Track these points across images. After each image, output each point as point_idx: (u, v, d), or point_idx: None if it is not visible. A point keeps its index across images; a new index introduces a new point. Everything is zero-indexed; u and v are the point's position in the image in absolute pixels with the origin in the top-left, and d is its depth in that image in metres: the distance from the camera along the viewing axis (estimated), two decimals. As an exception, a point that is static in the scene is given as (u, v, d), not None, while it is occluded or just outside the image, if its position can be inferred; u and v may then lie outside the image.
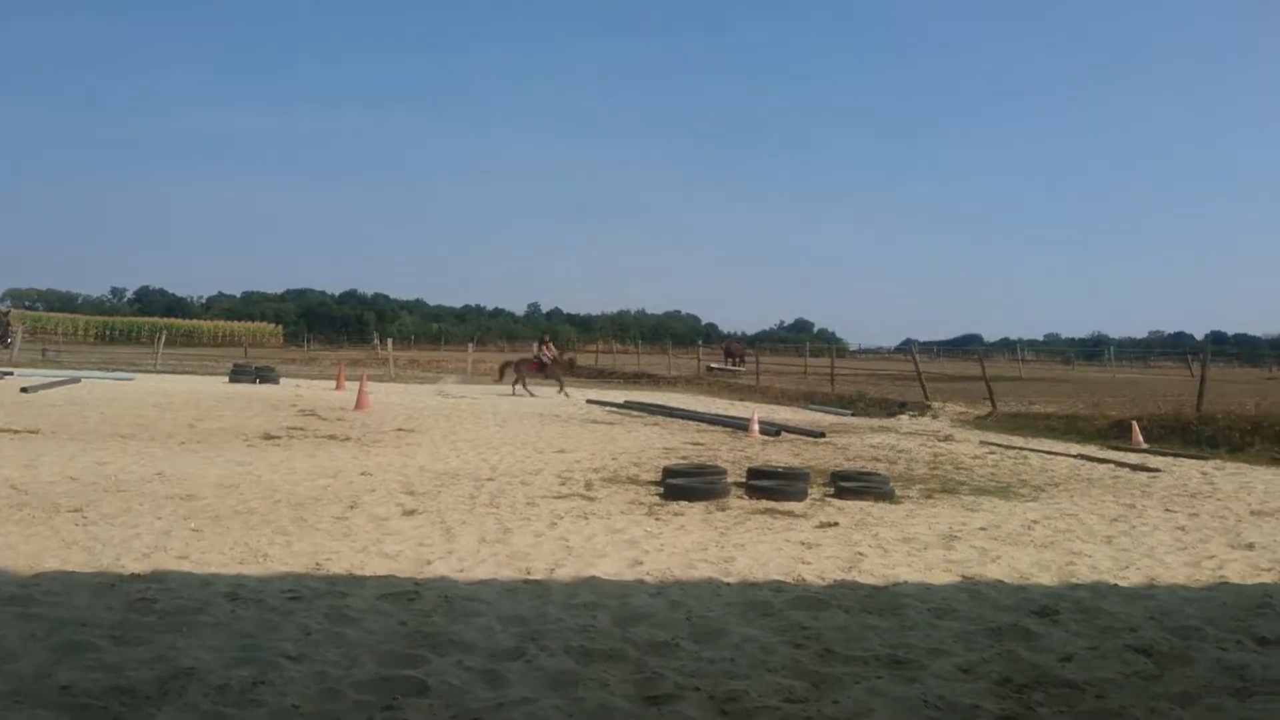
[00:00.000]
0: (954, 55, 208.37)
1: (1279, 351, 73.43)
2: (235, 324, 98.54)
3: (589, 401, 24.50)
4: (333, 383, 28.24)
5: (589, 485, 9.91)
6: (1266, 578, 6.57)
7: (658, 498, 9.17)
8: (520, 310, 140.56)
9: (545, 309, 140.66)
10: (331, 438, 13.95)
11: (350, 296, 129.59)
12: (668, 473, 9.96)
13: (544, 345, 28.50)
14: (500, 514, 8.13)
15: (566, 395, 25.71)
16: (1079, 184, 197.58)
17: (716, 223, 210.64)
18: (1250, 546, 7.70)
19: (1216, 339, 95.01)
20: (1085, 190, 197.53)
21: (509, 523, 7.73)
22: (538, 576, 5.99)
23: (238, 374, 30.14)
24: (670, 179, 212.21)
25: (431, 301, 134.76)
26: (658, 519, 8.10)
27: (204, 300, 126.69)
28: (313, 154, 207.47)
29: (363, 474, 10.22)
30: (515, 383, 27.17)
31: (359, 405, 19.58)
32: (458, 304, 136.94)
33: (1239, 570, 6.77)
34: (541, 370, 27.32)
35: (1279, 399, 23.30)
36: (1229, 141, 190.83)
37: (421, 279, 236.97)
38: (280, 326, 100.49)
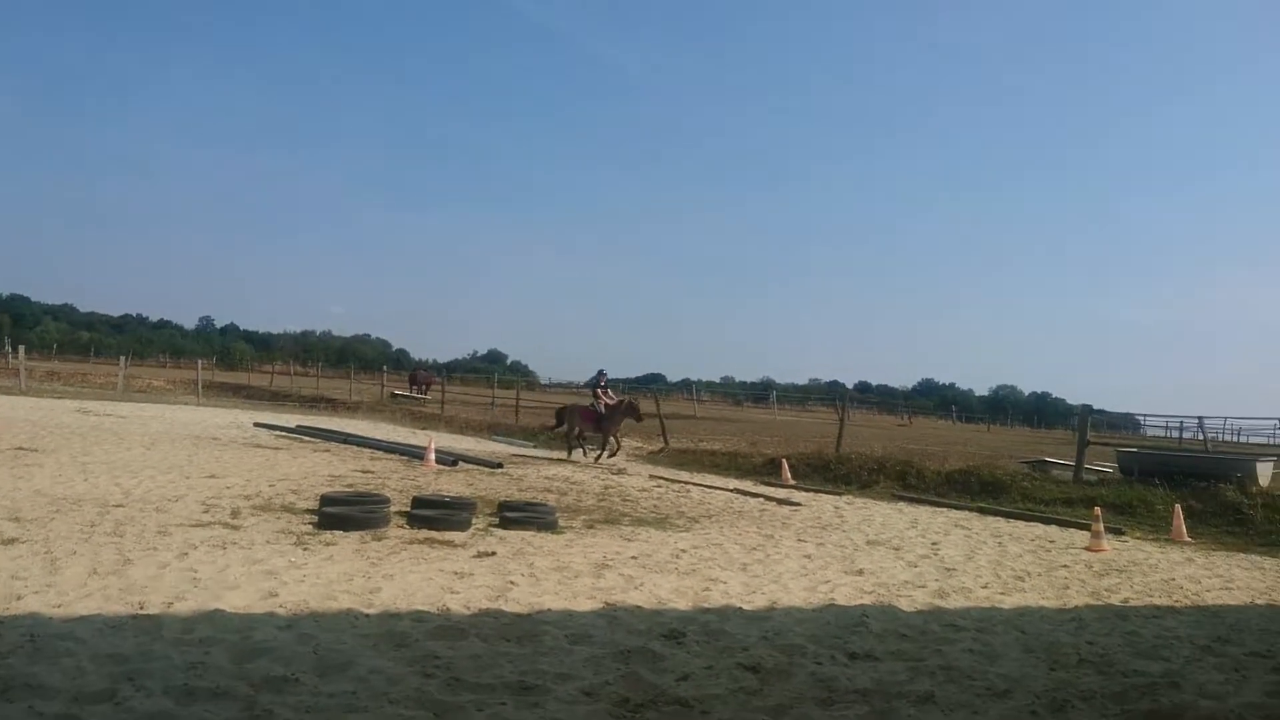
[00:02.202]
0: (659, 96, 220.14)
1: (911, 402, 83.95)
2: None
3: (257, 425, 22.97)
4: (-57, 393, 24.42)
5: (235, 513, 9.22)
6: (867, 599, 7.37)
7: (311, 527, 8.71)
8: (190, 324, 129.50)
9: (219, 324, 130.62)
10: (-74, 456, 12.00)
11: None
12: (325, 500, 9.50)
13: (601, 390, 20.91)
14: (123, 543, 7.33)
15: (612, 458, 19.53)
16: (758, 239, 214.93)
17: (414, 247, 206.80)
18: (860, 572, 8.63)
19: (862, 389, 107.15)
20: (764, 245, 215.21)
21: (131, 553, 6.99)
22: (152, 611, 5.44)
23: None
24: (365, 197, 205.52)
25: (83, 308, 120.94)
26: (306, 549, 7.68)
27: None
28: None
29: (-43, 498, 8.86)
30: (578, 435, 20.67)
31: (-29, 420, 17.04)
32: (115, 312, 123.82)
33: (846, 593, 7.55)
34: (597, 424, 20.11)
35: (903, 443, 26.58)
36: (889, 212, 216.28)
37: (73, 283, 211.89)
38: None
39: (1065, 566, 9.91)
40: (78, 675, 4.22)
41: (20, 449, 13.68)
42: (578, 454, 20.38)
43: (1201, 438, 28.05)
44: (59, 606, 5.40)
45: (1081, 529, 12.48)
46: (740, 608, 6.71)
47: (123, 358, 45.89)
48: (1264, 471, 16.14)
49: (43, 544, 7.07)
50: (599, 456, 19.60)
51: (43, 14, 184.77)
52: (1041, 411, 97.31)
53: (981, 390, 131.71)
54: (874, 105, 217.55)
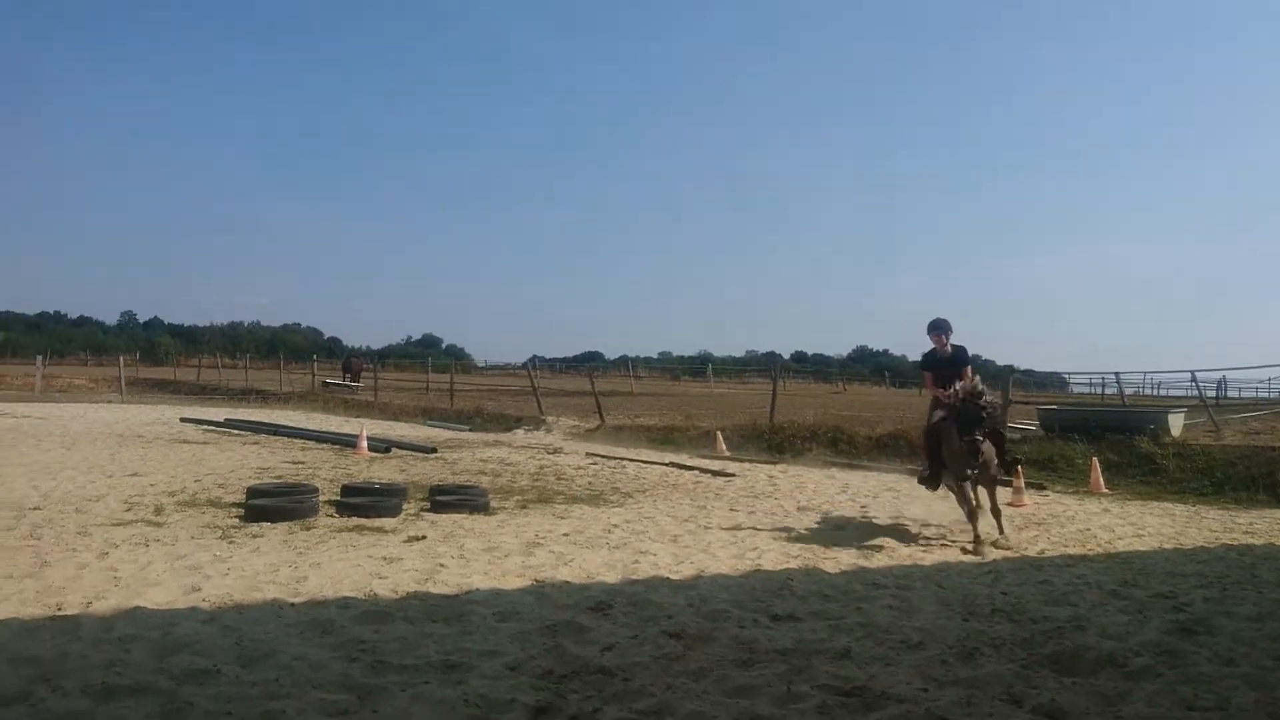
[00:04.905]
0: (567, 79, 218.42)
1: (846, 370, 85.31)
2: None
3: (184, 420, 22.48)
4: None
5: (159, 510, 9.06)
6: (794, 564, 7.55)
7: (237, 520, 8.61)
8: (112, 319, 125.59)
9: (143, 319, 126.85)
10: None
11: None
12: (251, 493, 9.39)
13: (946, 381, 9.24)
14: (40, 546, 7.18)
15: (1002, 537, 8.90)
16: (688, 213, 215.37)
17: (342, 233, 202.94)
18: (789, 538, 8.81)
19: (798, 358, 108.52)
20: (695, 220, 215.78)
21: (49, 555, 6.84)
22: (71, 612, 5.36)
23: None
24: (293, 186, 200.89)
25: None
26: (231, 542, 7.60)
27: None
28: None
29: None
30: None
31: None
32: (31, 311, 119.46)
33: (773, 559, 7.72)
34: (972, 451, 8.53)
35: (836, 410, 27.03)
36: (824, 181, 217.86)
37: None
38: None
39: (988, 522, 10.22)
40: (-10, 680, 4.15)
41: (-69, 456, 13.24)
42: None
43: (1119, 393, 29.03)
44: (-30, 613, 5.29)
45: (1005, 485, 12.85)
46: (668, 578, 6.83)
47: (39, 357, 44.40)
48: (1175, 422, 16.80)
49: (-47, 551, 6.90)
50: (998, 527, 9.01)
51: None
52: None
53: (914, 355, 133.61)
54: (804, 72, 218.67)
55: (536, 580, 6.59)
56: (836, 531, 9.29)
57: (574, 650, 4.84)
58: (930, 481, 9.52)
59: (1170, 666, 4.87)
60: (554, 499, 11.01)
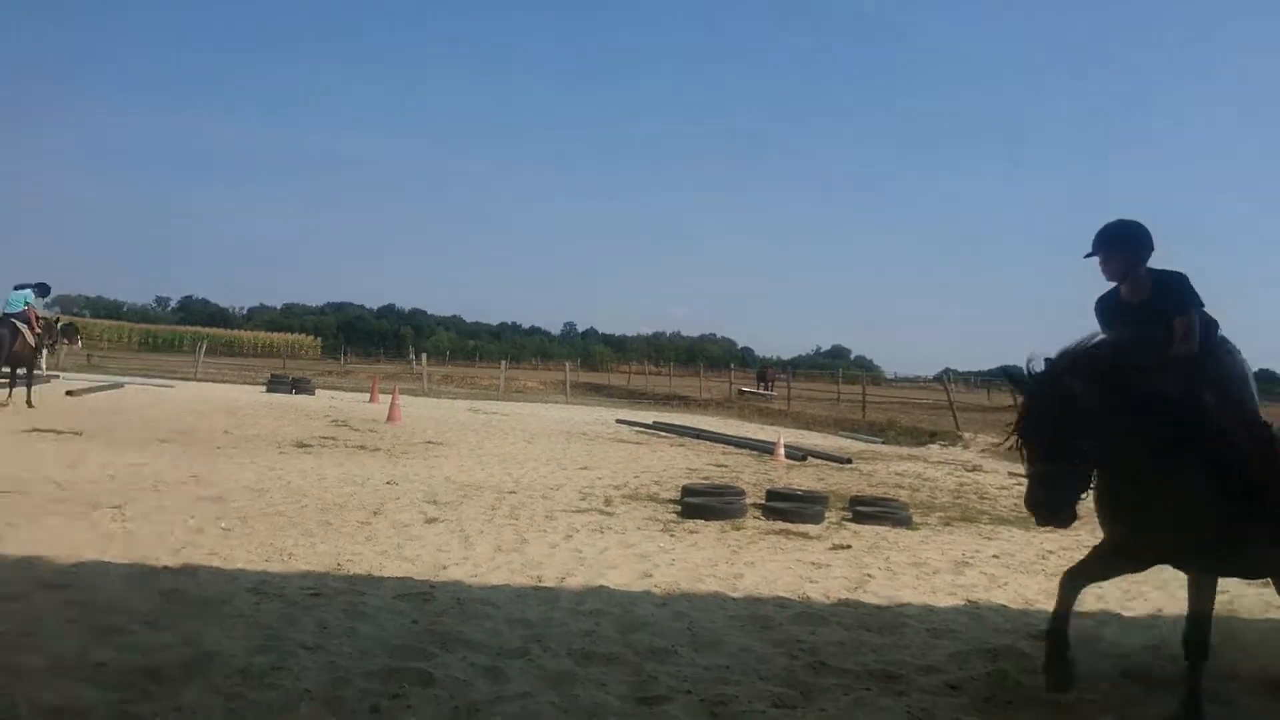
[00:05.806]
0: (979, 82, 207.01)
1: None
2: (274, 335, 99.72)
3: (618, 421, 24.72)
4: (367, 395, 28.73)
5: (608, 501, 10.10)
6: (1275, 612, 6.57)
7: (675, 515, 9.33)
8: (556, 329, 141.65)
9: (581, 329, 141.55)
10: (361, 448, 14.27)
11: (388, 311, 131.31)
12: (686, 491, 10.12)
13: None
14: (519, 525, 8.34)
15: None
16: (1103, 214, 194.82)
17: (757, 247, 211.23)
18: (1267, 582, 7.68)
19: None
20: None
21: (526, 533, 7.94)
22: (548, 584, 6.19)
23: (274, 384, 30.79)
24: (709, 203, 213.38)
25: (469, 318, 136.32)
26: (672, 535, 8.27)
27: (245, 311, 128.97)
28: (358, 173, 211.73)
29: (388, 483, 10.49)
30: None
31: (391, 418, 19.93)
32: (494, 321, 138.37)
33: (1249, 604, 6.78)
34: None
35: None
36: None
37: (459, 296, 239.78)
38: (318, 339, 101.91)
39: None
40: (496, 634, 4.94)
41: (429, 442, 15.86)
42: None
43: None
44: (475, 576, 6.30)
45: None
46: (1118, 614, 6.29)
47: (503, 362, 51.36)
48: None
49: (456, 523, 8.24)
50: None
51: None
52: None
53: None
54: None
55: (969, 600, 6.42)
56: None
57: (1018, 678, 4.65)
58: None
59: None
60: (978, 518, 10.59)
